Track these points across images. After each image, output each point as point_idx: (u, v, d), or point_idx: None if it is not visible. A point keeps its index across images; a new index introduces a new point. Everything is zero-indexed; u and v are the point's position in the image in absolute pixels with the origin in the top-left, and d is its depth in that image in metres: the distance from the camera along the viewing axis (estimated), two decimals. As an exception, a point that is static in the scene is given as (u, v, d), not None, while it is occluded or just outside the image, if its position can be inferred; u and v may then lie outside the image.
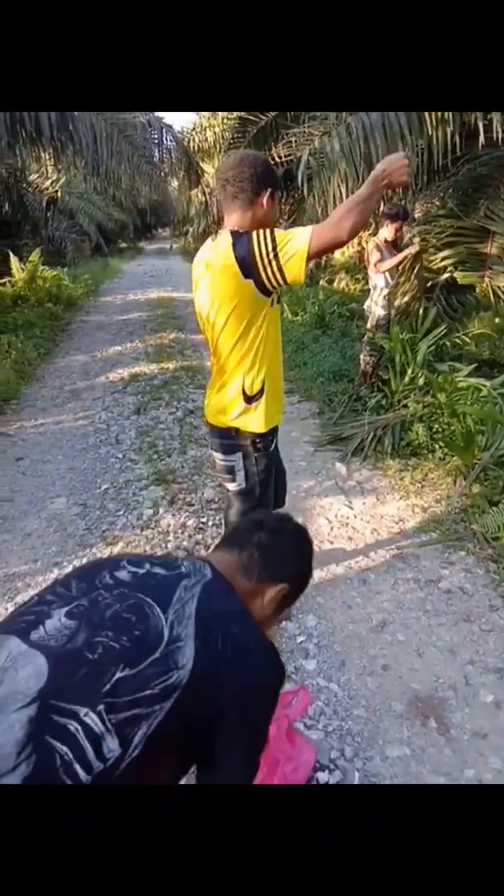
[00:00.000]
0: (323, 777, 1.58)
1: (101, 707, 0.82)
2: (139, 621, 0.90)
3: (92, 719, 0.81)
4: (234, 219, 1.59)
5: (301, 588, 1.19)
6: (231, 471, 1.80)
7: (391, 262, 3.88)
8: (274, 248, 1.46)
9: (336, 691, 1.87)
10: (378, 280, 4.02)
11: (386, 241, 3.86)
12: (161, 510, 2.93)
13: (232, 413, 1.72)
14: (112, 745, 0.81)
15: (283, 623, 2.16)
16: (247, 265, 1.49)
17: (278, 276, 1.49)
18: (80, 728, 0.81)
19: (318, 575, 2.44)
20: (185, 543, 2.62)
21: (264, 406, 1.72)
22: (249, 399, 1.69)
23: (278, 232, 1.49)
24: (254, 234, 1.49)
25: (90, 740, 0.80)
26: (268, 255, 1.46)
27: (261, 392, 1.70)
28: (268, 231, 1.48)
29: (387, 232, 3.86)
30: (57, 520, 2.93)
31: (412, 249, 3.96)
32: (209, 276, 1.62)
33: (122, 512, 2.96)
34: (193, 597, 0.94)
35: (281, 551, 1.11)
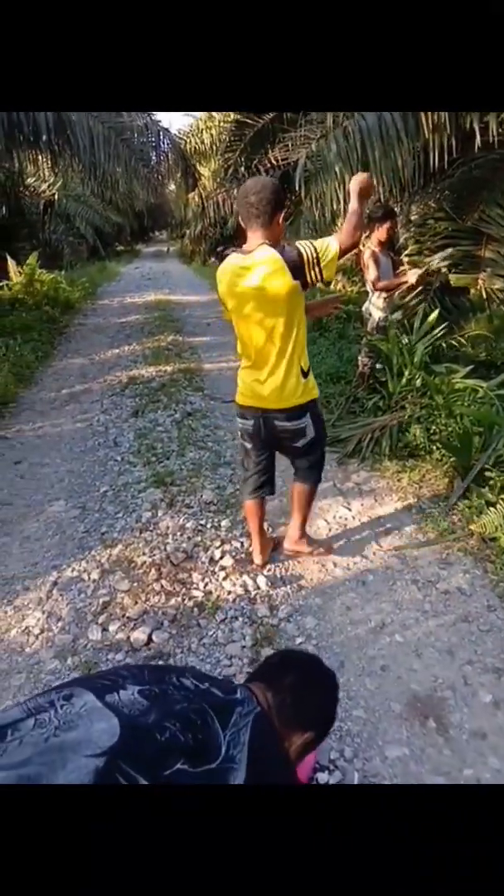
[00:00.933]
0: (323, 777, 1.58)
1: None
2: (203, 727, 0.99)
3: None
4: (258, 235, 1.97)
5: (324, 735, 1.27)
6: (303, 431, 2.20)
7: (389, 284, 3.88)
8: (317, 256, 1.90)
9: (335, 692, 1.87)
10: None
11: (380, 242, 3.87)
12: (160, 512, 2.93)
13: (297, 392, 2.11)
14: None
15: (282, 624, 2.17)
16: (296, 269, 1.90)
17: (320, 276, 1.94)
18: None
19: (316, 576, 2.45)
20: (184, 545, 2.63)
21: (311, 375, 2.17)
22: (305, 374, 2.12)
23: (315, 243, 1.92)
24: (299, 245, 1.92)
25: None
26: (312, 261, 1.90)
27: (308, 366, 2.14)
28: (309, 243, 1.92)
29: (379, 234, 3.87)
30: (56, 523, 2.93)
31: (411, 279, 3.86)
32: (261, 285, 1.94)
33: (120, 514, 2.96)
34: (247, 726, 1.04)
35: (309, 702, 1.19)
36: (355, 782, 1.57)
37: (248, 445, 2.36)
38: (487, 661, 1.98)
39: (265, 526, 2.55)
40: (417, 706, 1.82)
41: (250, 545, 2.55)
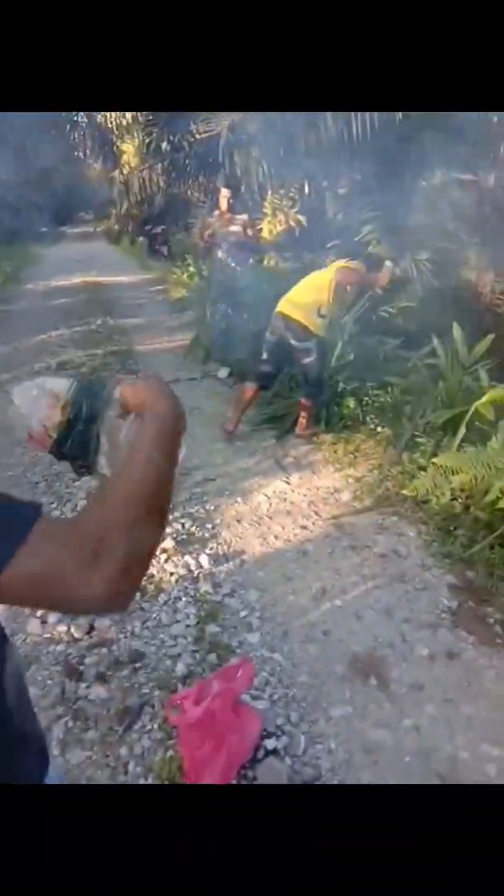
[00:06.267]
0: (270, 743, 1.61)
1: None
2: None
3: None
4: None
5: None
6: (309, 352, 3.21)
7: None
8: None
9: (280, 661, 1.90)
10: None
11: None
12: (96, 499, 2.85)
13: (313, 324, 3.18)
14: None
15: (226, 600, 2.17)
16: None
17: None
18: None
19: (258, 550, 2.46)
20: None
21: (326, 321, 3.26)
22: (322, 317, 3.20)
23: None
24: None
25: None
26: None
27: (326, 314, 3.24)
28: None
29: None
30: (-14, 517, 2.80)
31: None
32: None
33: (55, 505, 2.87)
34: None
35: None
36: (302, 745, 1.61)
37: (265, 354, 3.34)
38: (423, 617, 2.07)
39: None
40: (359, 666, 1.88)
41: (229, 420, 3.45)
